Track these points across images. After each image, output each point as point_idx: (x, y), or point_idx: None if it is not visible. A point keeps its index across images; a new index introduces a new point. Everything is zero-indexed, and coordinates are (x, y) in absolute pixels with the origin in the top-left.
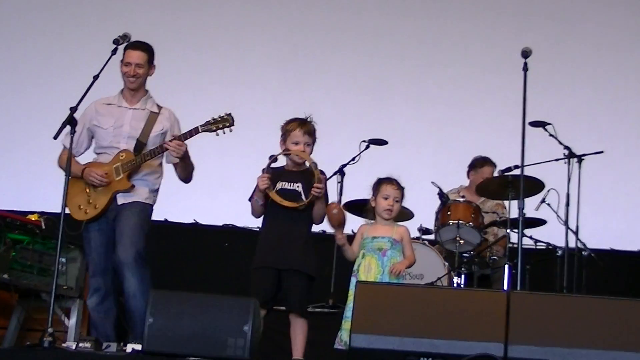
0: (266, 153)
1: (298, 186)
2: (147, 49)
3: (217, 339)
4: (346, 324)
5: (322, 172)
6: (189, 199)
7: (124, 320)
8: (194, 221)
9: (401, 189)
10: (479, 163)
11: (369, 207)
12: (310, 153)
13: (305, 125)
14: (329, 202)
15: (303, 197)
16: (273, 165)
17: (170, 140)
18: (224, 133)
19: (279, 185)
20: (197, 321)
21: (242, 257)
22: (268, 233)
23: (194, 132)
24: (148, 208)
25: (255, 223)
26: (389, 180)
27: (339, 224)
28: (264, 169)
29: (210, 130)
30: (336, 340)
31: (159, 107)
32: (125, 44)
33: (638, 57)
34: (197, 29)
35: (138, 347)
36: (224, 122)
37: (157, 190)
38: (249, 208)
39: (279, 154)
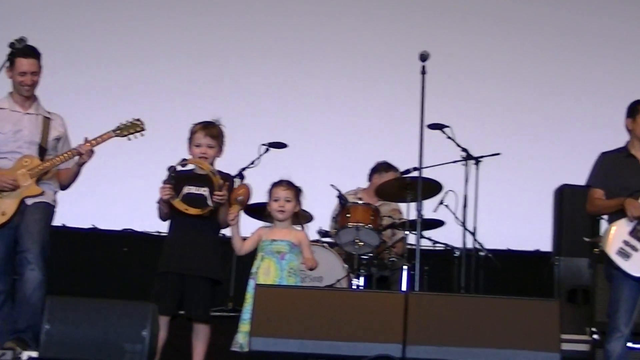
0: (165, 157)
1: (205, 191)
2: (38, 55)
3: (114, 344)
4: (243, 327)
5: (229, 176)
6: (87, 204)
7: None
8: (92, 226)
9: (293, 189)
10: (384, 168)
11: (267, 211)
12: (217, 155)
13: (207, 128)
14: (224, 211)
15: (209, 202)
16: (183, 167)
17: (83, 144)
18: (135, 138)
19: (186, 189)
20: (95, 327)
21: (141, 261)
22: (173, 238)
23: (106, 137)
24: (52, 209)
25: (155, 228)
26: (279, 182)
27: (240, 201)
28: (164, 180)
29: (122, 135)
30: (233, 342)
31: (49, 112)
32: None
33: (533, 60)
34: (102, 35)
35: (35, 354)
36: (135, 127)
37: (56, 194)
38: (147, 213)
39: (177, 164)
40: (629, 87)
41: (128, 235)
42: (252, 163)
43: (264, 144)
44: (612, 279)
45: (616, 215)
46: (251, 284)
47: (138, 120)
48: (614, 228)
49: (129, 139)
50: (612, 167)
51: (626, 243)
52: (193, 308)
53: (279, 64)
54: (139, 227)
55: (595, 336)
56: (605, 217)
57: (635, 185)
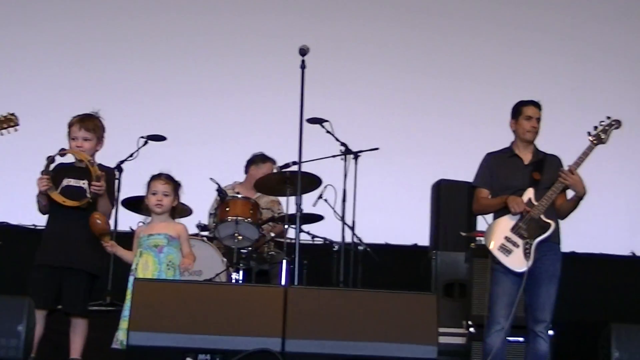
0: (41, 149)
1: (84, 183)
2: None
3: None
4: (124, 324)
5: (108, 169)
6: None
7: None
8: None
9: (172, 183)
10: (260, 159)
11: (144, 205)
12: (96, 148)
13: (83, 121)
14: (102, 204)
15: (88, 194)
16: (63, 160)
17: None
18: (9, 132)
19: (65, 182)
20: None
21: (17, 255)
22: (50, 231)
23: None
24: None
25: (31, 221)
26: (157, 176)
27: (100, 233)
28: (42, 171)
29: None
30: (113, 340)
31: None
32: None
33: (411, 55)
34: None
35: None
36: (9, 122)
37: None
38: (23, 205)
39: (56, 154)
40: (507, 84)
41: (3, 229)
42: (131, 156)
43: (142, 137)
44: (493, 273)
45: (500, 213)
46: (131, 280)
47: (12, 115)
48: (496, 224)
49: (1, 134)
50: (496, 167)
51: (507, 239)
52: (70, 302)
53: (158, 56)
54: (14, 220)
55: (471, 329)
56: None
57: (519, 185)
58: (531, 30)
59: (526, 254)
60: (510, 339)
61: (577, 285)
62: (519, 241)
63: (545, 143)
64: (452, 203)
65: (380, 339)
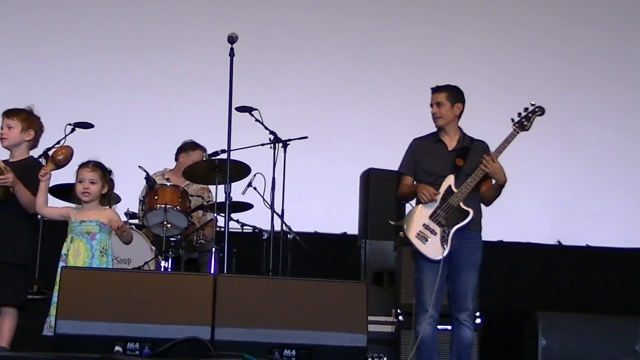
0: None
1: None
2: None
3: None
4: (54, 310)
5: (30, 158)
6: None
7: None
8: None
9: (100, 170)
10: (190, 146)
11: (74, 193)
12: (25, 139)
13: (6, 111)
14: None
15: None
16: None
17: None
18: None
19: None
20: None
21: None
22: None
23: None
24: None
25: None
26: (85, 164)
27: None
28: None
29: None
30: (45, 326)
31: None
32: None
33: (340, 43)
34: None
35: None
36: None
37: None
38: None
39: None
40: (436, 71)
41: None
42: (58, 143)
43: (69, 124)
44: (416, 261)
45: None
46: (61, 265)
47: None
48: (415, 211)
49: None
50: (421, 152)
51: (426, 226)
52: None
53: (85, 44)
54: None
55: (400, 317)
56: (414, 201)
57: (441, 171)
58: (457, 15)
59: (443, 242)
60: (439, 327)
61: (505, 274)
62: (437, 229)
63: (473, 129)
64: (381, 192)
65: (310, 327)
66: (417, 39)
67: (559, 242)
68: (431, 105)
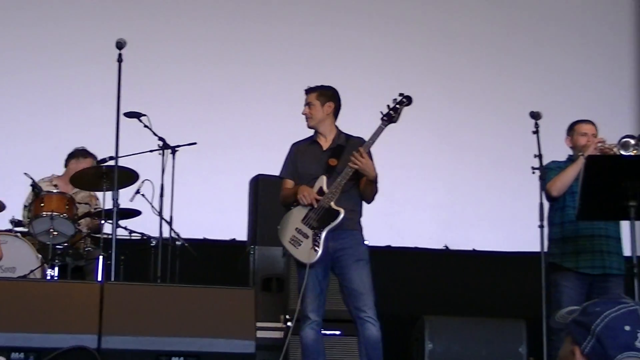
0: None
1: None
2: None
3: None
4: None
5: None
6: None
7: None
8: None
9: None
10: (81, 154)
11: None
12: None
13: None
14: None
15: None
16: None
17: None
18: None
19: None
20: None
21: None
22: None
23: None
24: None
25: None
26: None
27: None
28: None
29: None
30: None
31: None
32: None
33: (228, 49)
34: None
35: None
36: None
37: None
38: None
39: None
40: (319, 75)
41: None
42: None
43: None
44: (298, 266)
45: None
46: None
47: None
48: (289, 216)
49: None
50: (299, 156)
51: (298, 231)
52: None
53: None
54: None
55: (289, 323)
56: None
57: (316, 172)
58: (342, 16)
59: (315, 245)
60: (327, 332)
61: (392, 279)
62: (309, 232)
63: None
64: (269, 198)
65: (199, 334)
66: (304, 43)
67: (446, 246)
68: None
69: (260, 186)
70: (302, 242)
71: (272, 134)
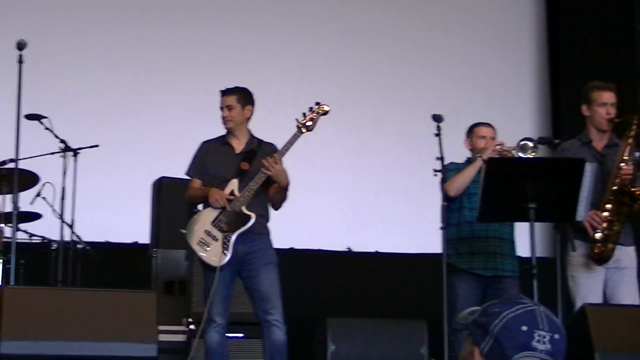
0: None
1: None
2: None
3: None
4: None
5: None
6: None
7: None
8: None
9: None
10: None
11: None
12: None
13: None
14: None
15: None
16: None
17: None
18: None
19: None
20: None
21: None
22: None
23: None
24: None
25: None
26: None
27: None
28: None
29: None
30: None
31: None
32: None
33: (132, 50)
34: None
35: None
36: None
37: None
38: None
39: None
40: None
41: None
42: None
43: None
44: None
45: (207, 204)
46: None
47: None
48: (198, 217)
49: None
50: (209, 155)
51: (208, 233)
52: None
53: None
54: None
55: (191, 327)
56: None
57: (227, 175)
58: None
59: (224, 248)
60: (230, 335)
61: (295, 281)
62: (219, 235)
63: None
64: (172, 201)
65: (100, 339)
66: (209, 45)
67: (349, 248)
68: (221, 108)
69: (163, 189)
70: (211, 244)
71: (175, 137)
